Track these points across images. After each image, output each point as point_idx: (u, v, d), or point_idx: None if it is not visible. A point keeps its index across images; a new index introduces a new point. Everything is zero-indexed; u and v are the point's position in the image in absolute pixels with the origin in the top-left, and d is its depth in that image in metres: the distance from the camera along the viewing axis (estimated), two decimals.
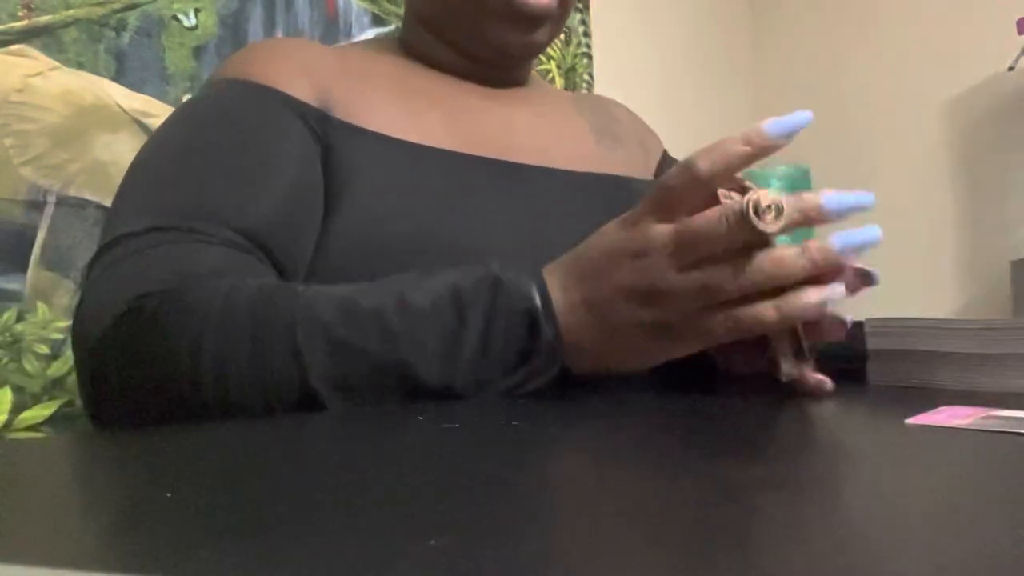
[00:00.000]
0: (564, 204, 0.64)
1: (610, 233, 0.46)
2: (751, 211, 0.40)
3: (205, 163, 0.53)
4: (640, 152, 0.79)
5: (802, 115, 0.43)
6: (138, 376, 0.44)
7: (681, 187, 0.43)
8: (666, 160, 0.82)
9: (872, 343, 0.53)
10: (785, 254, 0.42)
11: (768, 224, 0.40)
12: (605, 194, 0.67)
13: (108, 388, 0.45)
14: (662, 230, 0.43)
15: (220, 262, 0.48)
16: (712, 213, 0.42)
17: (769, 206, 0.40)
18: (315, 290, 0.44)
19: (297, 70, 0.60)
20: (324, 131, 0.58)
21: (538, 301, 0.45)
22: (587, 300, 0.45)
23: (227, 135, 0.55)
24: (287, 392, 0.41)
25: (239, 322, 0.42)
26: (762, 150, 0.42)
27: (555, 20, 0.67)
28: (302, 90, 0.59)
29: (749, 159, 0.42)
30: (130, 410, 0.45)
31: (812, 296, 0.42)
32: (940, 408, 0.36)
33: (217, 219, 0.50)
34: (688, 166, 0.42)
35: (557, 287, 0.46)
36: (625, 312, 0.44)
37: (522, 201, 0.62)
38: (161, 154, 0.55)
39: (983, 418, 0.33)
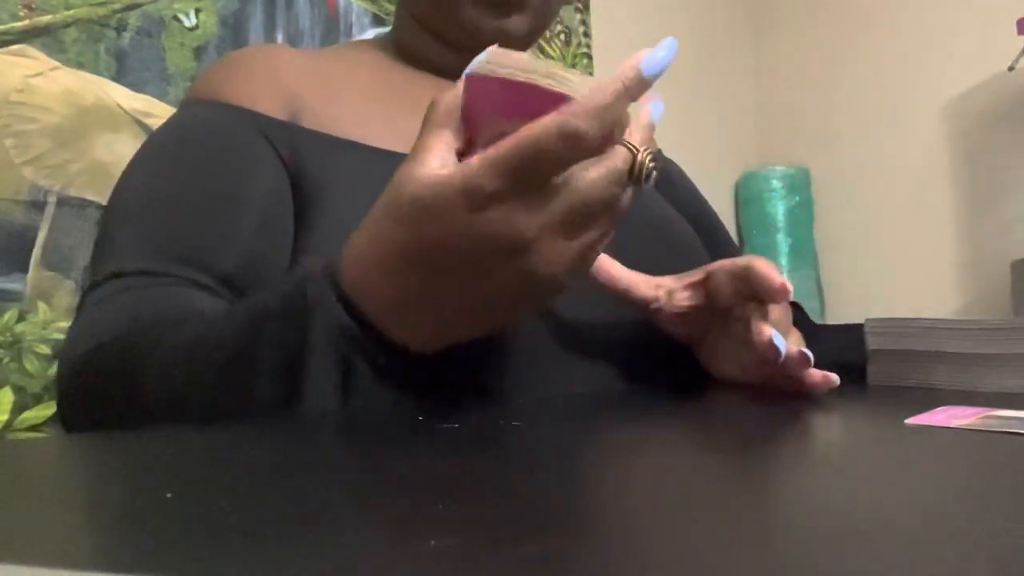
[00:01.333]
0: None
1: (459, 220, 0.36)
2: (638, 171, 0.37)
3: (174, 204, 0.54)
4: None
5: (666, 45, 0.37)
6: (88, 409, 0.48)
7: (569, 157, 0.35)
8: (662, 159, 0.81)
9: (872, 343, 0.53)
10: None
11: (645, 183, 0.37)
12: None
13: (70, 415, 0.50)
14: (540, 216, 0.36)
15: (177, 306, 0.49)
16: (598, 185, 0.36)
17: (649, 167, 0.37)
18: (175, 338, 0.44)
19: (265, 82, 0.60)
20: (294, 145, 0.58)
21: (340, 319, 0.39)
22: (446, 305, 0.39)
23: (195, 173, 0.55)
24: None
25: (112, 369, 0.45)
26: (639, 91, 0.36)
27: (535, 12, 0.66)
28: (270, 103, 0.59)
29: (626, 106, 0.36)
30: (88, 424, 0.49)
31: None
32: (940, 408, 0.36)
33: (188, 262, 0.51)
34: (574, 134, 0.34)
35: (384, 300, 0.39)
36: (496, 304, 0.39)
37: None
38: (132, 194, 0.55)
39: (983, 418, 0.33)
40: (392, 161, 0.60)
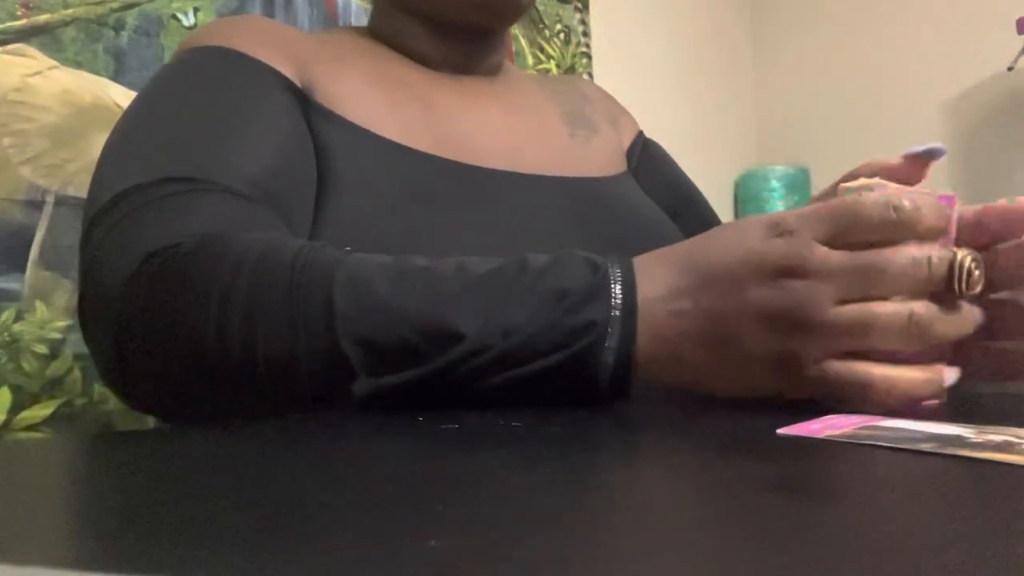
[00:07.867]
0: (532, 212, 0.61)
1: (754, 238, 0.38)
2: (957, 272, 0.35)
3: (197, 121, 0.51)
4: (613, 133, 0.76)
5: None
6: (164, 326, 0.41)
7: (880, 226, 0.35)
8: (641, 142, 0.80)
9: None
10: (965, 315, 0.36)
11: (966, 289, 0.35)
12: (574, 199, 0.65)
13: (133, 347, 0.43)
14: (833, 255, 0.36)
15: (232, 212, 0.46)
16: (907, 255, 0.35)
17: (972, 270, 0.35)
18: (358, 256, 0.41)
19: (278, 44, 0.59)
20: (306, 111, 0.57)
21: (617, 299, 0.38)
22: (708, 311, 0.38)
23: (214, 93, 0.54)
24: (317, 352, 0.39)
25: (276, 274, 0.40)
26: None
27: None
28: (283, 65, 0.58)
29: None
30: (156, 371, 0.43)
31: (951, 375, 0.36)
32: (824, 417, 0.33)
33: (219, 171, 0.48)
34: (896, 207, 0.35)
35: (659, 283, 0.39)
36: (751, 334, 0.37)
37: (491, 210, 0.59)
38: (147, 117, 0.53)
39: (861, 428, 0.31)
40: (393, 152, 0.59)
